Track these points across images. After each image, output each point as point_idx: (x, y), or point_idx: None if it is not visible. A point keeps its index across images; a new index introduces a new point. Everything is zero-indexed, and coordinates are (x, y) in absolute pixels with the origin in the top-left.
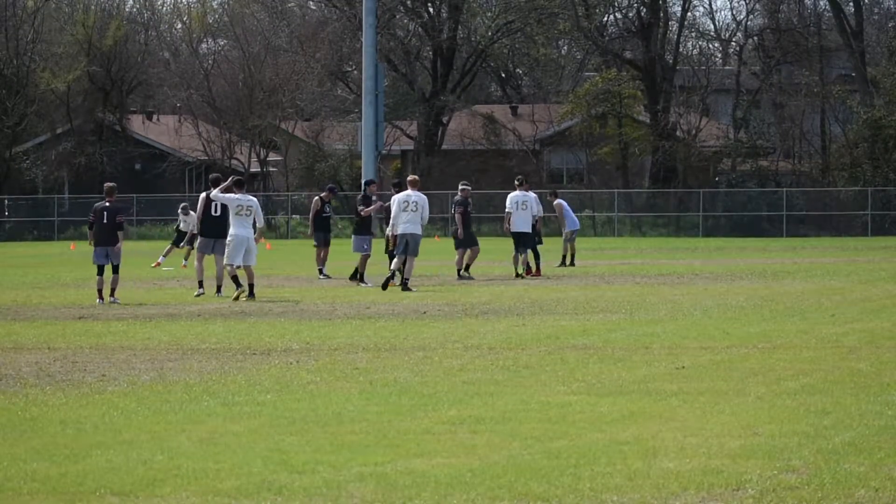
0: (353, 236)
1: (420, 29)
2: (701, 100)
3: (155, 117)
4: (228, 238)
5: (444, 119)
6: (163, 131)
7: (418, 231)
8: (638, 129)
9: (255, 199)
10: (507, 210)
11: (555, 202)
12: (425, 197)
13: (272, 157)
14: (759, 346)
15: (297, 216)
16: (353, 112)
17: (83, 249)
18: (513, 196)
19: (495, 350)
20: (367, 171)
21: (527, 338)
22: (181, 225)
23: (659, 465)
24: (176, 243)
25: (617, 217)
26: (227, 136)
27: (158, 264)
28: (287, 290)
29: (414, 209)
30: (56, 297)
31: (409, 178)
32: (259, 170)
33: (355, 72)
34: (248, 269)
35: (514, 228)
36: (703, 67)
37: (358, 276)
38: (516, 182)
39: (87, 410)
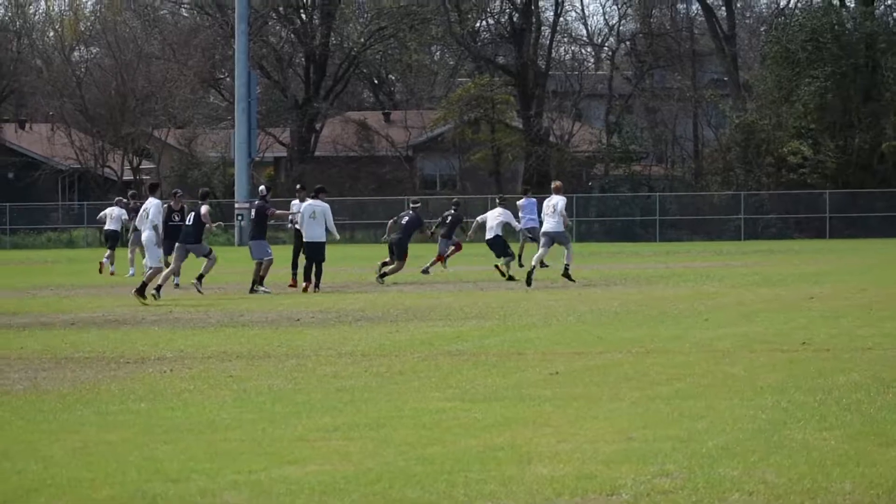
0: (252, 241)
1: (293, 35)
2: (574, 105)
3: (28, 125)
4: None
5: (317, 126)
6: (35, 140)
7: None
8: (511, 134)
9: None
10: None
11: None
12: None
13: (145, 164)
14: (633, 350)
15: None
16: (225, 119)
17: None
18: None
19: (369, 357)
20: (239, 179)
21: (400, 344)
22: (108, 224)
23: (533, 471)
24: (111, 246)
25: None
26: (99, 144)
27: (112, 273)
28: (164, 300)
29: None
30: None
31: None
32: (132, 178)
33: (228, 79)
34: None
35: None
36: (576, 72)
37: (257, 282)
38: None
39: None
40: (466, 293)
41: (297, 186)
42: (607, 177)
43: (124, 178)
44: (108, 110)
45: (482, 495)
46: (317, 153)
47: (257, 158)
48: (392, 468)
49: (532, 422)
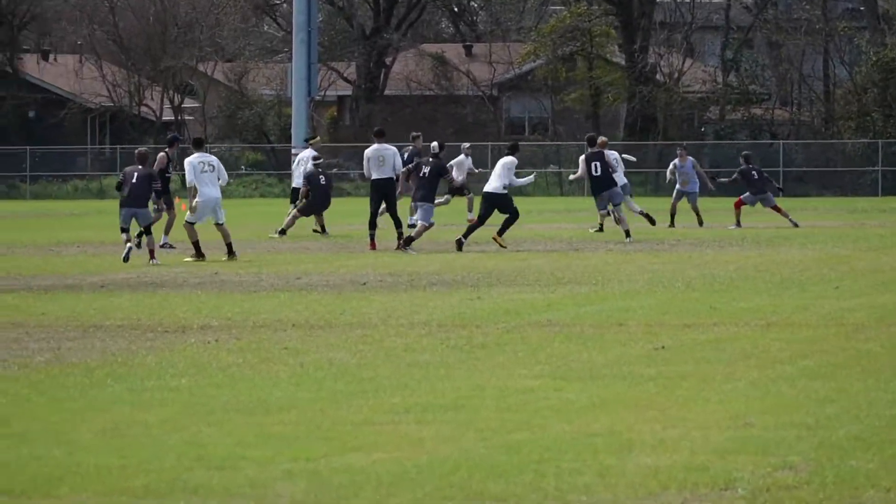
0: (421, 203)
1: None
2: (684, 38)
3: (52, 57)
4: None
5: (388, 60)
6: (61, 73)
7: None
8: (612, 72)
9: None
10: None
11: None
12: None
13: (188, 103)
14: (752, 323)
15: None
16: (281, 52)
17: None
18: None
19: (445, 327)
20: (297, 120)
21: (482, 313)
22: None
23: (634, 461)
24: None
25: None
26: (135, 80)
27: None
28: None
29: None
30: None
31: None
32: (173, 118)
33: (285, 5)
34: (221, 227)
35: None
36: (688, 0)
37: (407, 244)
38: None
39: None
40: (559, 254)
41: (376, 130)
42: (722, 122)
43: (164, 118)
44: (146, 40)
45: (576, 488)
46: (387, 92)
47: (318, 97)
48: (472, 456)
49: (634, 404)
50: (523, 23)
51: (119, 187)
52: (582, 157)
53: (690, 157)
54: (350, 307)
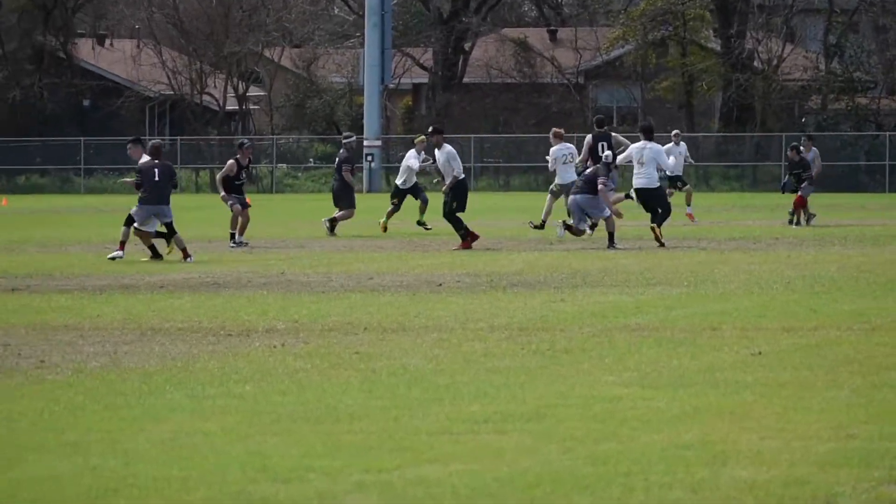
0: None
1: None
2: (784, 22)
3: (108, 42)
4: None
5: (467, 46)
6: (117, 59)
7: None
8: (706, 58)
9: None
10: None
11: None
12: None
13: (253, 91)
14: (855, 327)
15: (284, 165)
16: (353, 37)
17: (18, 205)
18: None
19: (527, 331)
20: (370, 109)
21: (566, 316)
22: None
23: (729, 475)
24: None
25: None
26: (197, 66)
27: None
28: (271, 257)
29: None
30: None
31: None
32: (237, 107)
33: None
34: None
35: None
36: None
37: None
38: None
39: (21, 405)
40: (648, 254)
41: (430, 129)
42: (825, 111)
43: (227, 107)
44: (208, 23)
45: (666, 503)
46: (465, 79)
47: (391, 85)
48: (555, 469)
49: (728, 413)
50: (611, 6)
51: (138, 186)
52: (589, 138)
53: (814, 148)
54: (425, 309)
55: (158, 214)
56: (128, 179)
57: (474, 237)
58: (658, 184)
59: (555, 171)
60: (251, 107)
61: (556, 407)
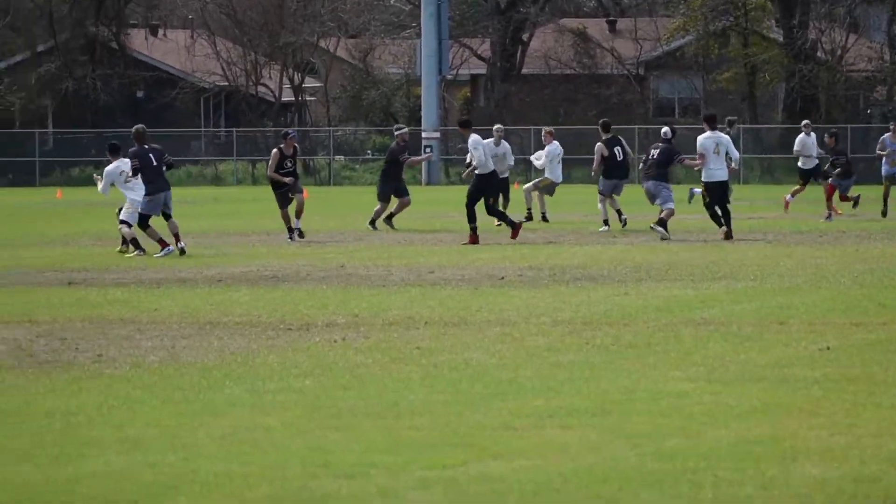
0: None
1: None
2: (848, 12)
3: (161, 32)
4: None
5: (525, 36)
6: (171, 50)
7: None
8: (768, 49)
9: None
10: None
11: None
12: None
13: (309, 82)
14: None
15: (342, 157)
16: (410, 27)
17: (73, 198)
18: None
19: (591, 326)
20: (427, 101)
21: (631, 310)
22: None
23: (799, 471)
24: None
25: (743, 159)
26: (251, 57)
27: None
28: (330, 249)
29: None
30: (39, 257)
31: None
32: (293, 99)
33: None
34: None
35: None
36: None
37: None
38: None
39: (79, 399)
40: (713, 247)
41: (463, 120)
42: (890, 103)
43: (283, 99)
44: (262, 14)
45: (736, 499)
46: (524, 70)
47: (449, 76)
48: (621, 465)
49: (797, 409)
50: None
51: (137, 173)
52: (600, 144)
53: None
54: (487, 303)
55: (166, 201)
56: (97, 176)
57: (475, 240)
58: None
59: (542, 168)
60: (307, 98)
61: (621, 402)
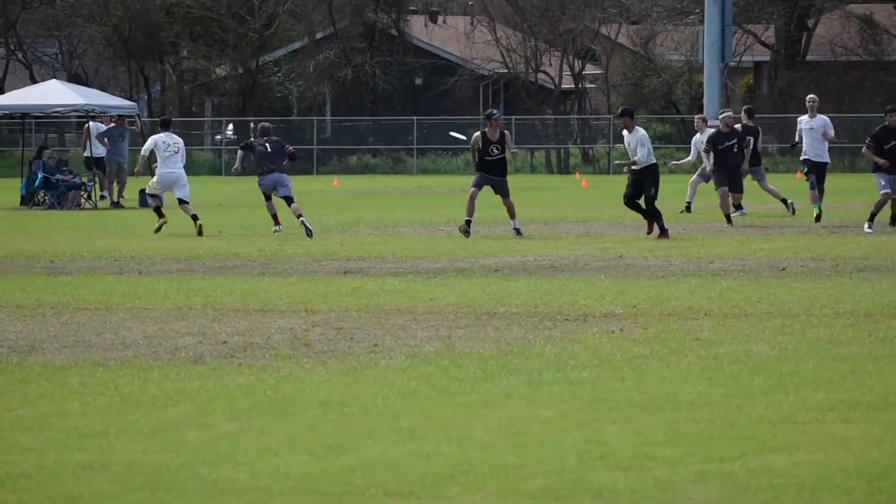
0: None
1: None
2: None
3: (441, 19)
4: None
5: (810, 22)
6: (450, 37)
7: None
8: None
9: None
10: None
11: None
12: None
13: (589, 70)
14: None
15: (621, 145)
16: (692, 14)
17: (350, 186)
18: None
19: (874, 318)
20: (710, 88)
21: None
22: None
23: None
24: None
25: None
26: (531, 44)
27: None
28: (608, 240)
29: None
30: (315, 245)
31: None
32: (573, 86)
33: None
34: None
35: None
36: None
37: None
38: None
39: (354, 389)
40: None
41: (625, 109)
42: None
43: (562, 86)
44: (544, 0)
45: None
46: (808, 57)
47: (732, 63)
48: None
49: None
50: None
51: (245, 158)
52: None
53: None
54: (767, 294)
55: (276, 185)
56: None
57: (652, 228)
58: None
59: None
60: (587, 85)
61: None
